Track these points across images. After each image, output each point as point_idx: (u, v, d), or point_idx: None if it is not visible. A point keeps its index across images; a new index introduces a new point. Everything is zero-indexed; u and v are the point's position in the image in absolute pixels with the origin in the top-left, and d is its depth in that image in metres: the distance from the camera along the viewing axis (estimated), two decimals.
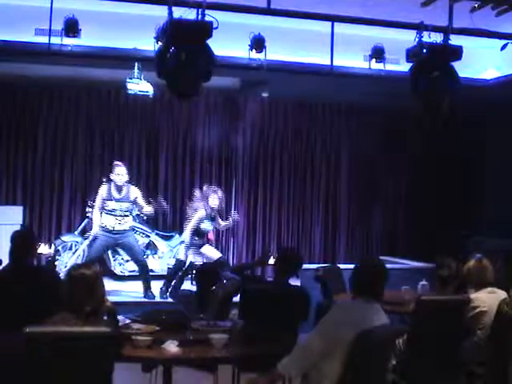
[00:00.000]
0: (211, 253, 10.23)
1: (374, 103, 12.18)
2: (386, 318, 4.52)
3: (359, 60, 9.53)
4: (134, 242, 10.05)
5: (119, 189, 9.61)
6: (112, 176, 9.63)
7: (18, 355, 3.78)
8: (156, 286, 10.10)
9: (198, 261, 10.01)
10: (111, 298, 4.73)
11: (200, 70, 6.32)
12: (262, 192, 12.97)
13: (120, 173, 9.58)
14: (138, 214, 11.16)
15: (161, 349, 4.47)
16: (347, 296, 4.78)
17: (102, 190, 9.66)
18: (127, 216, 9.71)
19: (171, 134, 12.58)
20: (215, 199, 9.96)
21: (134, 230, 11.02)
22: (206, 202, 9.95)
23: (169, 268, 10.70)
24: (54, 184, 11.97)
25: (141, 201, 9.80)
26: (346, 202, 13.40)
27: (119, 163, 9.80)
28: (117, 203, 9.58)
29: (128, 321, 5.12)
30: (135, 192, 9.76)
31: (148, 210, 9.92)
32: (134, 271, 11.03)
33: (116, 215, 9.58)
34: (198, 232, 9.97)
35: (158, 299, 9.77)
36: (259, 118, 12.90)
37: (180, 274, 10.01)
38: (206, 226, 10.03)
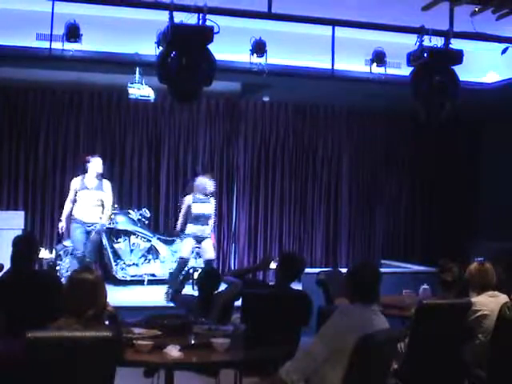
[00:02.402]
0: (208, 250, 10.21)
1: (375, 107, 12.19)
2: (385, 321, 4.52)
3: (360, 64, 9.54)
4: (97, 240, 10.18)
5: (92, 180, 9.89)
6: (88, 165, 9.91)
7: (20, 360, 3.78)
8: (157, 291, 10.13)
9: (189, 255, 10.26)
10: (113, 303, 4.72)
11: (201, 74, 6.34)
12: (263, 196, 12.97)
13: (96, 162, 9.94)
14: (139, 219, 11.20)
15: (163, 353, 4.46)
16: (348, 300, 4.78)
17: (75, 182, 9.93)
18: (98, 207, 9.90)
19: (172, 138, 12.58)
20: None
21: (135, 234, 11.08)
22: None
23: (170, 273, 10.73)
24: (56, 189, 11.97)
25: (109, 196, 10.05)
26: (348, 206, 13.39)
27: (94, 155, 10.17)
28: (90, 192, 9.82)
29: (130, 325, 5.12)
30: (107, 185, 10.03)
31: (108, 197, 10.06)
32: (135, 276, 11.05)
33: (88, 205, 9.80)
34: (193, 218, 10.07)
35: (160, 304, 9.75)
36: (260, 121, 12.92)
37: (181, 278, 10.01)
38: (197, 208, 10.10)
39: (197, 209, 10.07)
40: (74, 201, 9.87)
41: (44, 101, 11.95)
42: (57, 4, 7.73)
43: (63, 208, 10.08)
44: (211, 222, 10.31)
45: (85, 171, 10.02)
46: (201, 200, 10.12)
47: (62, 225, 10.03)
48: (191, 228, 10.05)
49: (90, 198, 9.85)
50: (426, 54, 6.98)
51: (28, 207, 11.73)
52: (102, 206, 9.96)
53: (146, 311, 8.21)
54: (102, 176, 10.05)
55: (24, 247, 5.65)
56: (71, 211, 9.88)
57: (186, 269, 10.63)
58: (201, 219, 10.06)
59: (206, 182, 10.26)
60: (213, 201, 10.38)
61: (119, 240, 11.07)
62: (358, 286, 4.56)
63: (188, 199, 10.18)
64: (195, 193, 10.17)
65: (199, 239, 10.08)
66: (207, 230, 10.15)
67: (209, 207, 10.18)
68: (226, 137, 12.83)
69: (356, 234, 13.44)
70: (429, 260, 10.40)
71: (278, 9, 6.86)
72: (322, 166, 13.30)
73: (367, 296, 4.50)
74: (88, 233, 9.87)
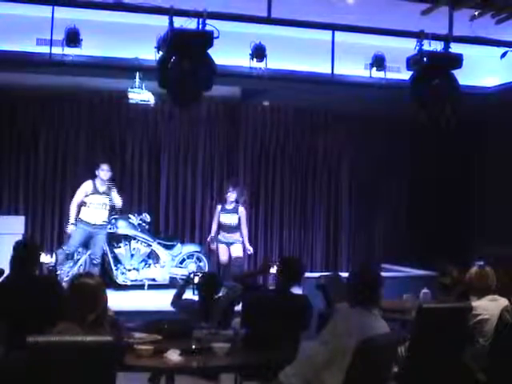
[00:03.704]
0: (236, 251, 11.06)
1: (374, 111, 12.19)
2: (385, 325, 4.52)
3: (360, 68, 9.54)
4: (103, 239, 10.75)
5: (103, 184, 10.54)
6: (98, 172, 10.52)
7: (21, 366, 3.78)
8: (157, 295, 10.14)
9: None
10: (113, 307, 4.73)
11: (201, 79, 6.35)
12: (263, 200, 12.96)
13: (106, 169, 10.55)
14: (139, 223, 11.19)
15: (163, 358, 4.47)
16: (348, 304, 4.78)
17: (87, 186, 10.53)
18: (105, 210, 10.57)
19: (173, 142, 12.58)
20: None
21: (135, 238, 11.10)
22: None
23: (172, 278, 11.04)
24: (56, 194, 11.96)
25: (115, 193, 10.75)
26: (348, 210, 13.39)
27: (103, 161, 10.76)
28: (99, 196, 10.49)
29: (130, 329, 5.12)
30: (111, 187, 10.71)
31: (118, 201, 10.77)
32: (136, 280, 11.05)
33: (97, 208, 10.46)
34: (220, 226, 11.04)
35: (160, 308, 9.73)
36: (260, 126, 12.92)
37: (182, 282, 10.00)
38: (224, 219, 10.99)
39: (224, 219, 11.01)
40: (81, 204, 10.47)
41: (44, 106, 11.95)
42: (57, 9, 7.74)
43: (69, 211, 10.60)
44: (244, 231, 11.14)
45: (93, 176, 10.59)
46: (227, 210, 11.03)
47: (72, 228, 10.48)
48: (221, 235, 11.05)
49: (99, 202, 10.47)
50: (425, 59, 7.00)
51: (28, 212, 11.72)
52: (109, 209, 10.64)
53: (147, 316, 8.22)
54: (110, 182, 10.60)
55: (25, 252, 5.66)
56: (78, 214, 10.49)
57: (187, 273, 10.65)
58: (227, 228, 11.01)
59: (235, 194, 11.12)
60: (242, 210, 11.17)
61: (120, 245, 11.07)
62: (359, 289, 4.56)
63: (218, 209, 11.21)
64: (225, 203, 11.12)
65: (229, 244, 11.05)
66: (235, 236, 11.07)
67: (235, 218, 11.01)
68: (226, 141, 12.83)
69: (356, 238, 13.43)
70: (429, 264, 10.39)
71: (277, 13, 6.88)
72: (322, 170, 13.30)
73: (368, 300, 4.50)
74: (91, 235, 10.48)
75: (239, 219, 11.06)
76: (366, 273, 4.71)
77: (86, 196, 10.48)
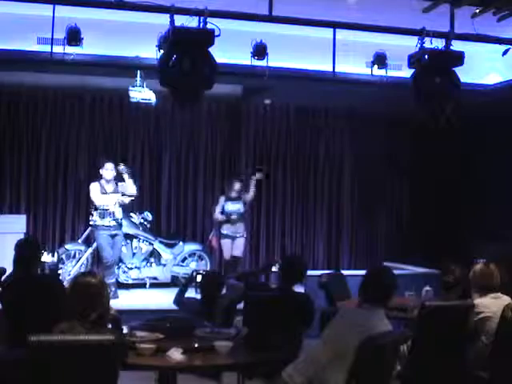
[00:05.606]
0: (238, 247, 11.03)
1: (376, 109, 12.18)
2: (389, 326, 4.51)
3: (361, 66, 9.53)
4: (121, 241, 10.52)
5: (109, 183, 10.19)
6: (102, 171, 10.15)
7: (23, 366, 3.77)
8: (159, 294, 10.13)
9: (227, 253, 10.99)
10: (114, 306, 4.72)
11: (202, 77, 6.35)
12: (265, 199, 12.95)
13: (110, 168, 10.16)
14: (141, 222, 11.19)
15: (165, 356, 4.46)
16: (351, 302, 4.76)
17: (95, 187, 10.15)
18: (117, 208, 10.23)
19: (174, 141, 12.57)
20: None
21: (136, 237, 11.08)
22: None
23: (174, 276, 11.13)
24: (58, 193, 11.96)
25: (127, 180, 10.35)
26: (350, 208, 13.38)
27: (107, 160, 10.35)
28: (108, 197, 10.11)
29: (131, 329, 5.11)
30: (124, 186, 10.35)
31: (131, 189, 10.39)
32: (137, 279, 11.05)
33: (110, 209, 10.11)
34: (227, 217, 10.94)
35: (162, 307, 9.74)
36: (261, 124, 12.91)
37: (184, 281, 10.03)
38: (230, 206, 10.94)
39: (229, 207, 10.92)
40: (95, 208, 10.12)
41: (45, 105, 11.95)
42: (58, 8, 7.75)
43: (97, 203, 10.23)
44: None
45: (98, 177, 10.28)
46: (232, 199, 10.99)
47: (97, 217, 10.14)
48: (226, 228, 10.96)
49: (109, 203, 10.10)
50: (426, 56, 7.00)
51: (30, 211, 11.72)
52: (120, 206, 10.31)
53: (149, 314, 8.21)
54: (117, 179, 10.27)
55: (26, 251, 5.66)
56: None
57: (189, 272, 10.67)
58: (233, 218, 10.90)
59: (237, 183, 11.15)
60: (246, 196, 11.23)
61: (122, 243, 11.07)
62: (370, 290, 4.54)
63: (221, 199, 11.09)
64: (228, 193, 11.07)
65: (233, 238, 10.98)
66: (240, 228, 11.05)
67: (240, 205, 11.03)
68: (228, 140, 12.82)
69: (358, 236, 13.42)
70: (431, 262, 10.38)
71: (278, 11, 6.87)
72: (324, 168, 13.29)
73: (379, 301, 4.48)
74: (112, 237, 10.16)
75: (244, 206, 11.10)
76: (382, 274, 4.70)
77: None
